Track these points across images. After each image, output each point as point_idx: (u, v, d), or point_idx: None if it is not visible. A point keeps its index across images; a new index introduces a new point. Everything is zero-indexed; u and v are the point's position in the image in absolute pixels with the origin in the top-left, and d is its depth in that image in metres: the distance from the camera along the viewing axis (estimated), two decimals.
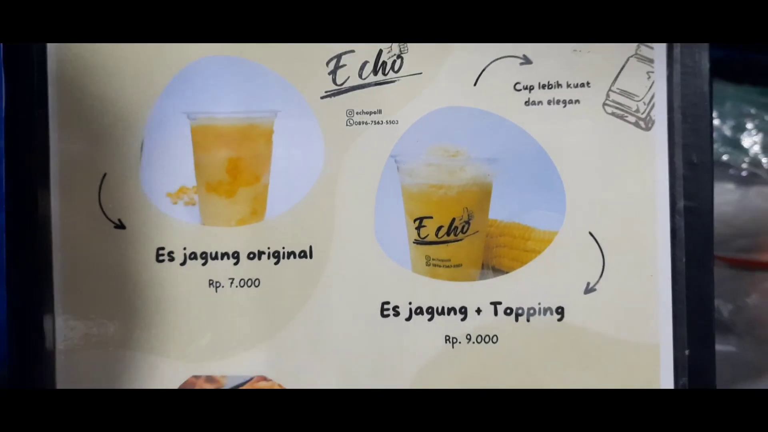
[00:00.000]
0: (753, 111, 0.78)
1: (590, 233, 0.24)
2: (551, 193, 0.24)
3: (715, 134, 0.81)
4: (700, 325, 0.23)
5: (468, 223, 0.24)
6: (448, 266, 0.24)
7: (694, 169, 0.23)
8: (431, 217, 0.24)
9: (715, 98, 0.85)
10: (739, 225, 0.70)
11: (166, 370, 0.25)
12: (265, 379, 0.24)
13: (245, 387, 0.25)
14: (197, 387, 0.25)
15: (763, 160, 0.74)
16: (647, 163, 0.23)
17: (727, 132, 0.80)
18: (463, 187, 0.24)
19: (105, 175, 0.25)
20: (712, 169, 0.23)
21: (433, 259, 0.24)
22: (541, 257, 0.24)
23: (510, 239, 0.24)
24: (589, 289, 0.24)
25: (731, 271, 0.61)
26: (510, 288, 0.24)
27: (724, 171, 0.81)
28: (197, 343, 0.24)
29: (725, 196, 0.74)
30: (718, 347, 0.62)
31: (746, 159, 0.76)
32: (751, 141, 0.78)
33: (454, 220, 0.24)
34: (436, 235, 0.24)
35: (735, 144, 0.79)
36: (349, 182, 0.24)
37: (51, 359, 0.25)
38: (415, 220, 0.24)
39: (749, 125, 0.78)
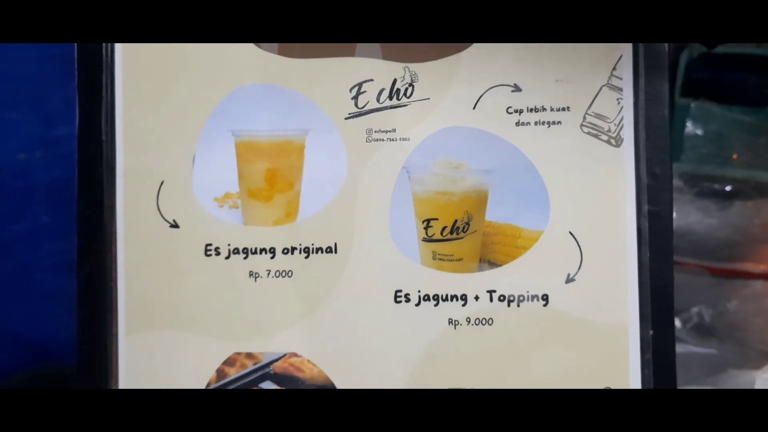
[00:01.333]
0: (737, 129, 0.83)
1: (570, 232, 0.28)
2: (538, 199, 0.28)
3: (701, 151, 0.86)
4: (662, 309, 0.28)
5: (468, 224, 0.29)
6: (451, 260, 0.29)
7: (656, 179, 0.28)
8: (437, 219, 0.29)
9: (700, 117, 0.91)
10: (723, 237, 0.75)
11: (212, 348, 0.29)
12: (296, 355, 0.29)
13: (279, 362, 0.29)
14: (238, 362, 0.29)
15: (746, 176, 0.80)
16: (617, 174, 0.28)
17: (713, 149, 0.85)
18: (464, 194, 0.29)
19: (162, 182, 0.29)
20: (671, 179, 0.28)
21: (438, 254, 0.29)
22: (529, 253, 0.29)
23: (503, 237, 0.29)
24: (569, 280, 0.28)
25: (713, 279, 0.66)
26: (503, 278, 0.29)
27: (710, 186, 0.87)
28: (239, 324, 0.29)
29: (710, 210, 0.79)
30: (701, 350, 0.66)
31: (730, 175, 0.81)
32: (734, 158, 0.84)
33: (456, 221, 0.29)
34: (441, 233, 0.29)
35: (720, 161, 0.84)
36: (368, 190, 0.29)
37: (114, 340, 0.29)
38: (423, 221, 0.29)
39: (733, 143, 0.84)
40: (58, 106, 0.46)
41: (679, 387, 0.56)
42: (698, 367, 0.56)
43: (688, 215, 0.78)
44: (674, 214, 0.79)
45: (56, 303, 0.46)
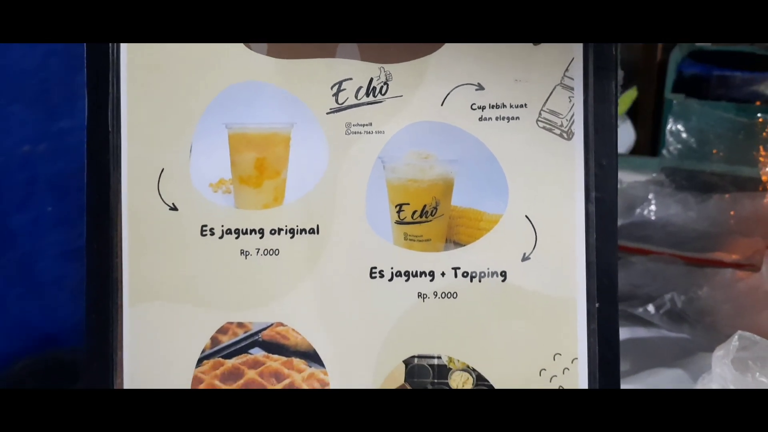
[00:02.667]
0: (715, 124, 0.87)
1: (526, 216, 0.32)
2: (498, 186, 0.32)
3: (681, 146, 0.90)
4: (606, 285, 0.32)
5: (436, 208, 0.33)
6: (420, 240, 0.33)
7: (602, 169, 0.32)
8: (408, 204, 0.33)
9: (680, 113, 0.94)
10: (700, 229, 0.79)
11: (207, 318, 0.33)
12: (282, 324, 0.33)
13: (267, 330, 0.33)
14: (231, 331, 0.33)
15: (724, 170, 0.84)
16: (569, 165, 0.32)
17: (693, 144, 0.89)
18: (432, 182, 0.33)
19: (163, 169, 0.33)
20: (616, 168, 0.32)
21: (409, 235, 0.33)
22: (489, 234, 0.32)
23: (467, 220, 0.33)
24: (525, 258, 0.32)
25: (686, 267, 0.70)
26: (466, 257, 0.32)
27: (690, 180, 0.91)
28: (231, 297, 0.33)
29: (690, 203, 0.83)
30: (674, 334, 0.70)
31: (709, 169, 0.85)
32: (713, 153, 0.88)
33: (425, 206, 0.33)
34: (412, 217, 0.33)
35: (699, 156, 0.88)
36: (347, 177, 0.33)
37: (119, 310, 0.33)
38: (396, 206, 0.33)
39: (712, 137, 0.88)
40: (61, 99, 0.47)
41: (652, 369, 0.60)
42: (670, 351, 0.60)
43: (667, 208, 0.82)
44: (654, 207, 0.83)
45: (61, 291, 0.48)
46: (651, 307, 0.64)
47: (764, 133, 0.83)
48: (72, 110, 0.48)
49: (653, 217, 0.80)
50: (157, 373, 0.33)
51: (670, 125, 0.88)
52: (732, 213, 0.75)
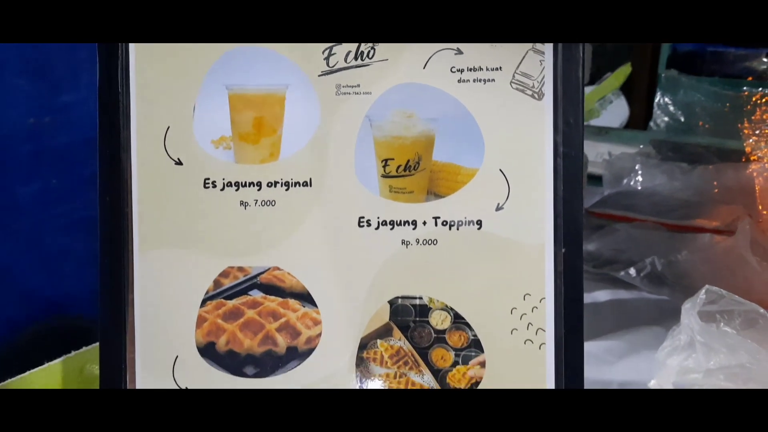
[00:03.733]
0: (702, 98, 0.90)
1: (500, 170, 0.36)
2: (474, 143, 0.36)
3: (668, 119, 0.93)
4: (572, 232, 0.35)
5: (418, 163, 0.36)
6: (404, 192, 0.36)
7: (569, 127, 0.35)
8: (393, 159, 0.36)
9: (668, 86, 0.97)
10: (684, 198, 0.82)
11: (210, 263, 0.37)
12: (278, 268, 0.37)
13: (265, 274, 0.37)
14: (231, 274, 0.37)
15: (710, 142, 0.87)
16: (539, 123, 0.35)
17: (681, 117, 0.92)
18: (415, 138, 0.36)
19: (169, 127, 0.36)
20: (582, 126, 0.35)
21: (394, 188, 0.36)
22: (467, 186, 0.36)
23: (446, 174, 0.36)
24: (498, 208, 0.36)
25: (668, 233, 0.73)
26: (446, 207, 0.36)
27: (677, 152, 0.94)
28: (232, 244, 0.36)
29: (675, 173, 0.86)
30: (653, 296, 0.73)
31: (695, 141, 0.88)
32: (699, 125, 0.91)
33: (408, 161, 0.36)
34: (396, 171, 0.36)
35: (686, 128, 0.91)
36: (337, 135, 0.36)
37: (130, 255, 0.37)
38: (382, 161, 0.36)
39: (699, 110, 0.91)
40: (66, 73, 0.49)
41: (634, 330, 0.63)
42: (650, 312, 0.64)
43: (653, 178, 0.86)
44: (640, 178, 0.86)
45: (68, 261, 0.51)
46: (632, 270, 0.68)
47: (749, 106, 0.86)
48: (76, 84, 0.50)
49: (639, 187, 0.83)
50: (165, 313, 0.37)
51: (659, 98, 0.91)
52: (715, 183, 0.79)
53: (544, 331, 0.35)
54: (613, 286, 0.68)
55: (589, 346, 0.58)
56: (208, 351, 0.37)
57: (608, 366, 0.55)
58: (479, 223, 0.36)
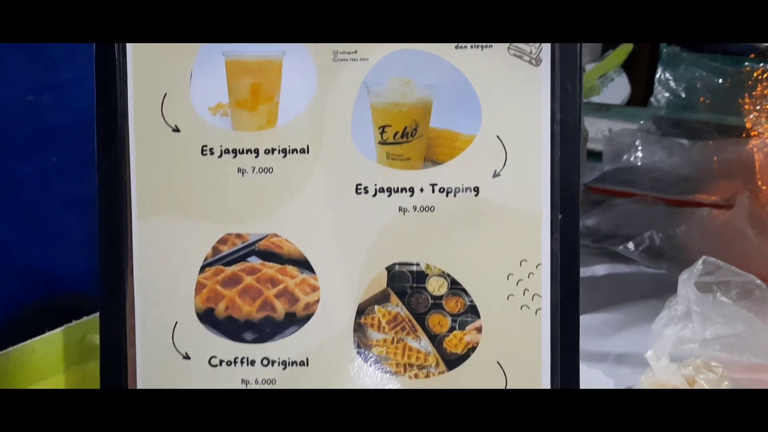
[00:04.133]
0: (703, 74, 0.90)
1: (498, 136, 0.36)
2: (472, 109, 0.36)
3: (668, 95, 0.92)
4: (569, 198, 0.35)
5: (415, 129, 0.36)
6: (401, 159, 0.36)
7: (567, 93, 0.35)
8: (390, 126, 0.36)
9: (670, 62, 0.96)
10: (684, 173, 0.82)
11: (208, 230, 0.37)
12: (276, 235, 0.37)
13: (263, 241, 0.37)
14: (230, 241, 0.37)
15: (710, 117, 0.86)
16: (536, 89, 0.35)
17: (681, 93, 0.92)
18: (412, 105, 0.36)
19: (166, 94, 0.37)
20: (581, 93, 0.35)
21: (391, 155, 0.36)
22: (464, 153, 0.36)
23: (443, 140, 0.36)
24: (495, 175, 0.36)
25: (667, 208, 0.74)
26: (443, 174, 0.36)
27: (677, 128, 0.93)
28: (230, 211, 0.37)
29: (675, 149, 0.86)
30: (651, 270, 0.73)
31: (696, 117, 0.88)
32: (700, 101, 0.90)
33: (406, 127, 0.36)
34: (394, 137, 0.36)
35: (687, 104, 0.91)
36: (334, 101, 0.36)
37: (129, 223, 0.37)
38: (379, 128, 0.36)
39: (699, 86, 0.90)
40: (64, 50, 0.48)
41: (632, 303, 0.64)
42: (648, 286, 0.64)
43: (653, 154, 0.85)
44: (640, 154, 0.86)
45: (67, 239, 0.51)
46: (631, 245, 0.68)
47: (750, 82, 0.85)
48: (75, 62, 0.50)
49: (639, 163, 0.83)
50: (164, 280, 0.37)
51: (660, 74, 0.91)
52: (715, 158, 0.78)
53: (540, 296, 0.35)
54: (611, 261, 0.69)
55: (586, 319, 0.58)
56: (207, 317, 0.37)
57: (605, 338, 0.56)
58: (476, 189, 0.36)
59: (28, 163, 0.48)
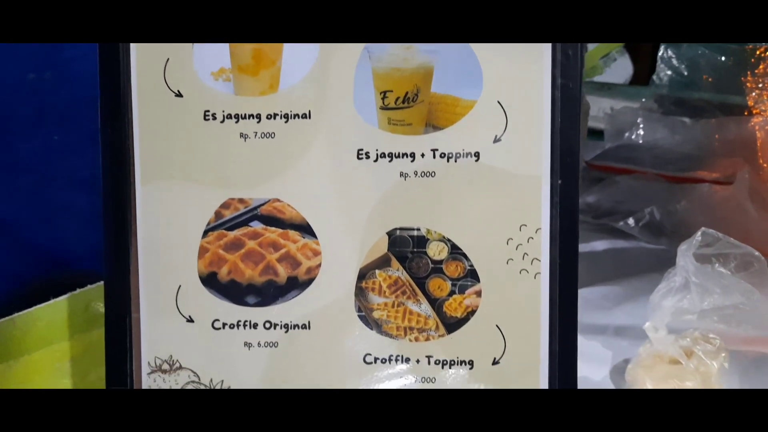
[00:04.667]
0: (706, 52, 0.89)
1: (498, 102, 0.36)
2: (473, 74, 0.36)
3: (671, 73, 0.92)
4: (568, 163, 0.36)
5: (417, 95, 0.36)
6: (402, 125, 0.37)
7: (568, 59, 0.35)
8: (392, 91, 0.36)
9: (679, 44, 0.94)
10: (685, 151, 0.82)
11: (211, 194, 0.37)
12: (278, 200, 0.37)
13: (265, 206, 0.37)
14: (232, 206, 0.37)
15: (712, 96, 0.86)
16: (537, 54, 0.35)
17: (684, 71, 0.91)
18: (413, 70, 0.36)
19: (168, 59, 0.37)
20: (582, 59, 0.35)
21: (392, 120, 0.37)
22: (465, 118, 0.36)
23: (444, 106, 0.36)
24: (496, 140, 0.36)
25: (668, 185, 0.74)
26: (444, 139, 0.36)
27: (680, 106, 0.93)
28: (232, 176, 0.37)
29: (677, 127, 0.86)
30: (650, 245, 0.74)
31: (698, 95, 0.88)
32: (702, 79, 0.90)
33: (407, 92, 0.36)
34: (395, 103, 0.36)
35: (689, 82, 0.91)
36: (336, 66, 0.36)
37: (132, 188, 0.37)
38: (380, 93, 0.37)
39: (702, 64, 0.90)
40: None
41: (631, 277, 0.64)
42: (648, 261, 0.64)
43: (655, 132, 0.85)
44: (642, 132, 0.86)
45: (71, 217, 0.51)
46: (631, 220, 0.69)
47: (753, 60, 0.85)
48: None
49: (641, 141, 0.83)
50: (168, 244, 0.38)
51: (662, 52, 0.91)
52: (717, 136, 0.79)
53: (539, 261, 0.36)
54: (611, 237, 0.69)
55: (585, 293, 0.59)
56: (210, 281, 0.38)
57: (605, 311, 0.56)
58: (477, 155, 0.36)
59: (31, 142, 0.49)
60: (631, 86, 1.01)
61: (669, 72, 0.90)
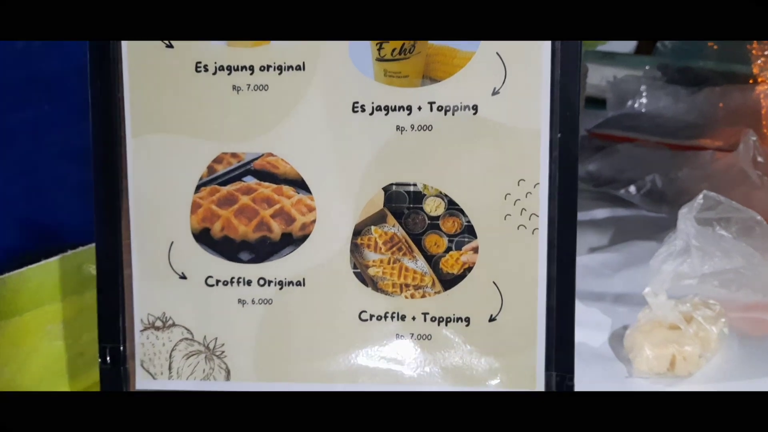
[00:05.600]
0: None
1: (497, 53, 0.35)
2: None
3: (675, 41, 0.90)
4: (568, 116, 0.35)
5: (414, 45, 0.36)
6: (399, 77, 0.36)
7: None
8: (388, 42, 0.36)
9: None
10: (689, 120, 0.82)
11: (203, 149, 0.37)
12: (272, 155, 0.37)
13: (258, 160, 0.37)
14: (225, 160, 0.37)
15: (716, 64, 0.85)
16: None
17: (686, 44, 0.90)
18: None
19: None
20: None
21: (389, 72, 0.36)
22: (463, 70, 0.36)
23: (442, 57, 0.36)
24: (494, 92, 0.36)
25: (670, 153, 0.73)
26: (441, 92, 0.36)
27: (684, 75, 0.92)
28: (225, 129, 0.37)
29: (681, 95, 0.85)
30: (651, 214, 0.73)
31: (702, 63, 0.87)
32: (708, 46, 0.89)
33: (404, 43, 0.36)
34: (391, 54, 0.36)
35: (694, 50, 0.90)
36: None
37: (123, 141, 0.37)
38: (376, 43, 0.36)
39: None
40: None
41: (630, 246, 0.64)
42: (648, 229, 0.64)
43: (658, 100, 0.85)
44: (645, 100, 0.86)
45: (63, 189, 0.51)
46: (632, 188, 0.68)
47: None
48: None
49: (643, 110, 0.82)
50: (160, 199, 0.37)
51: None
52: (721, 105, 0.78)
53: (538, 216, 0.36)
54: (612, 205, 0.69)
55: (585, 260, 0.59)
56: (203, 237, 0.37)
57: (604, 278, 0.56)
58: (475, 108, 0.36)
59: (21, 112, 0.48)
60: (634, 55, 1.00)
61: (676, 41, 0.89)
